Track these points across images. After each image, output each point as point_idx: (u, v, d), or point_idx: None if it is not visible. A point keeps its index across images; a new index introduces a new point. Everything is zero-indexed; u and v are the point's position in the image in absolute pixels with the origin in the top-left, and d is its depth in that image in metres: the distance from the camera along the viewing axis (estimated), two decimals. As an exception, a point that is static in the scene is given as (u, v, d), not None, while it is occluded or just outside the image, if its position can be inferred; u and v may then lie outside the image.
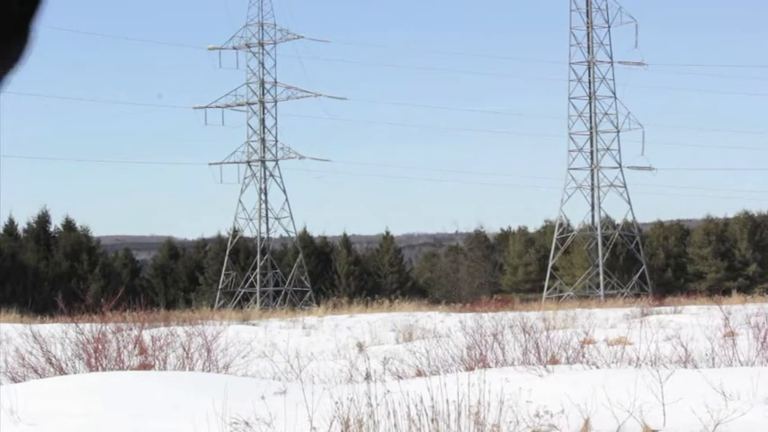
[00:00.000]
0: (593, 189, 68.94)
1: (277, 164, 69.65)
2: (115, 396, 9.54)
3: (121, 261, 69.28)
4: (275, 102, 70.31)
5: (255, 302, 63.94)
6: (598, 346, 13.36)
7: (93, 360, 12.14)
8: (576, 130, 69.39)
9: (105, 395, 9.55)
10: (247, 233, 70.57)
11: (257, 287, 67.16)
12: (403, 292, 62.98)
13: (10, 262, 62.67)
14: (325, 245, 76.81)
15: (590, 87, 69.55)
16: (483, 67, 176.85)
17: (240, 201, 69.15)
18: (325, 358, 16.23)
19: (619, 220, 70.72)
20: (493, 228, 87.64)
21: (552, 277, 68.31)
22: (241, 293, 65.73)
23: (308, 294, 65.85)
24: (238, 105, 70.24)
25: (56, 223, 67.70)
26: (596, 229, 68.72)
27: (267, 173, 69.61)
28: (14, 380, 11.93)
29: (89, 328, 12.71)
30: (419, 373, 11.26)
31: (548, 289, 66.89)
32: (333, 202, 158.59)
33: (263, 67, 70.47)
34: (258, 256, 67.99)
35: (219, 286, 65.77)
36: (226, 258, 67.01)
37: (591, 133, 69.23)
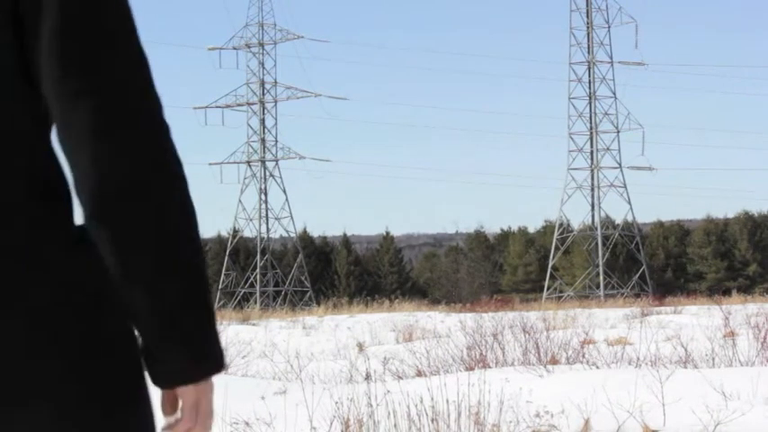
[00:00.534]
0: (593, 189, 68.99)
1: (277, 164, 69.70)
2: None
3: (121, 261, 69.29)
4: (275, 102, 70.38)
5: (255, 302, 63.98)
6: (598, 346, 13.37)
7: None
8: (576, 131, 69.45)
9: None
10: (247, 233, 70.66)
11: (257, 287, 67.20)
12: (403, 293, 63.01)
13: (10, 262, 62.72)
14: (325, 245, 76.86)
15: (590, 87, 69.62)
16: (483, 67, 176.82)
17: (240, 201, 69.25)
18: (326, 358, 16.24)
19: (619, 220, 70.80)
20: (493, 228, 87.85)
21: (552, 277, 68.35)
22: (241, 293, 65.78)
23: (308, 294, 65.89)
24: (238, 105, 70.31)
25: (56, 223, 67.84)
26: (596, 229, 68.76)
27: (267, 173, 69.70)
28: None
29: None
30: (419, 373, 11.27)
31: (548, 289, 66.93)
32: (333, 202, 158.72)
33: (263, 68, 70.52)
34: (258, 257, 68.03)
35: (219, 286, 65.80)
36: (226, 258, 67.05)
37: (591, 133, 69.26)
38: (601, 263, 67.21)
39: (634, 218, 69.76)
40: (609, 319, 27.55)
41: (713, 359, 11.01)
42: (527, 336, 11.95)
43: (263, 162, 69.69)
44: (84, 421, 1.44)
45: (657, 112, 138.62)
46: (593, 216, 69.63)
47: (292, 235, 70.92)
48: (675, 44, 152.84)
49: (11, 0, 1.43)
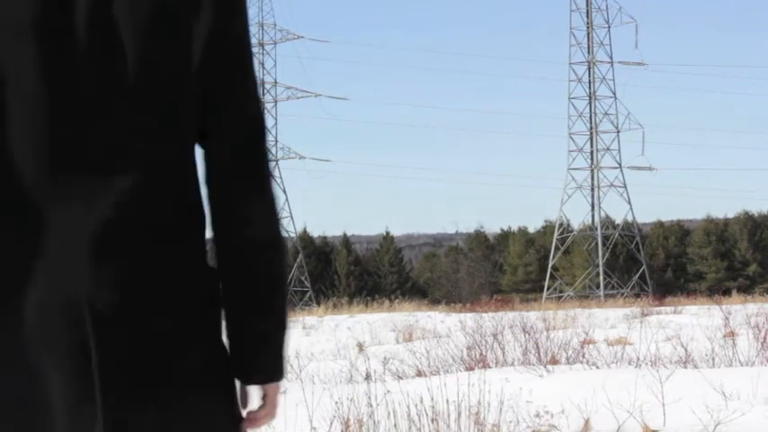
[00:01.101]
0: (593, 189, 68.99)
1: (277, 164, 69.69)
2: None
3: (121, 261, 69.33)
4: (275, 102, 70.37)
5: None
6: (598, 346, 13.36)
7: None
8: (576, 131, 69.46)
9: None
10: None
11: (257, 287, 67.16)
12: (403, 293, 62.99)
13: (10, 262, 62.74)
14: (325, 245, 76.85)
15: (590, 87, 69.62)
16: (483, 67, 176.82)
17: (240, 201, 69.24)
18: (326, 358, 16.24)
19: (619, 220, 70.81)
20: (493, 228, 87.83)
21: (552, 277, 68.35)
22: (241, 293, 65.77)
23: (308, 294, 65.88)
24: (238, 105, 70.31)
25: (56, 223, 67.79)
26: (596, 229, 68.76)
27: (267, 173, 69.72)
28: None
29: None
30: (419, 373, 11.27)
31: (548, 289, 66.93)
32: (333, 202, 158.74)
33: (264, 68, 70.50)
34: (258, 256, 68.02)
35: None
36: (226, 258, 67.08)
37: (591, 133, 69.27)
38: (601, 263, 67.20)
39: (634, 218, 69.80)
40: (609, 319, 27.55)
41: (713, 359, 11.01)
42: (527, 336, 11.95)
43: (263, 162, 69.73)
44: (216, 402, 1.88)
45: (657, 112, 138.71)
46: (593, 216, 69.69)
47: (292, 235, 70.91)
48: (675, 44, 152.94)
49: (198, 63, 1.84)
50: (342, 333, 23.72)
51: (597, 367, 10.61)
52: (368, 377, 8.08)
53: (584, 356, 11.43)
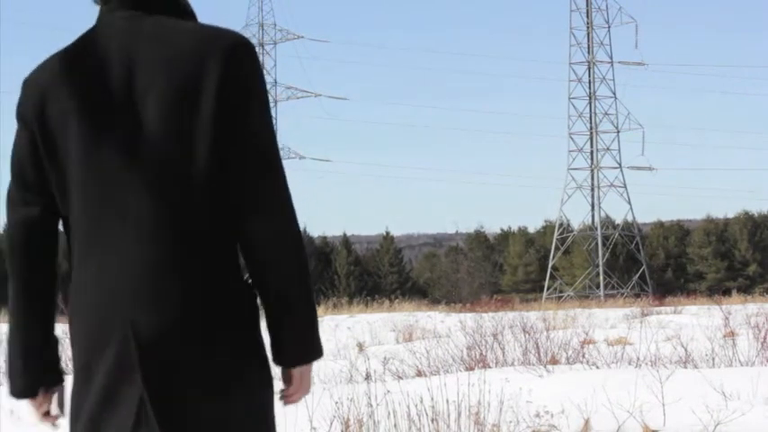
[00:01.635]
0: (593, 189, 68.99)
1: (277, 164, 69.73)
2: (115, 396, 9.50)
3: (121, 261, 69.28)
4: (275, 102, 70.37)
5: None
6: (598, 346, 13.36)
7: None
8: (576, 131, 69.46)
9: (105, 395, 9.51)
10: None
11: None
12: (403, 293, 62.97)
13: (10, 262, 62.69)
14: (325, 245, 76.85)
15: (590, 87, 69.63)
16: (483, 67, 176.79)
17: (240, 201, 69.25)
18: (325, 358, 16.25)
19: (619, 220, 70.82)
20: (493, 228, 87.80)
21: (552, 277, 68.36)
22: (241, 293, 65.79)
23: (308, 294, 65.85)
24: (238, 105, 70.33)
25: (56, 223, 67.67)
26: (596, 229, 68.77)
27: (267, 173, 69.73)
28: (14, 380, 11.94)
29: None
30: (419, 373, 11.27)
31: (548, 289, 66.94)
32: (333, 202, 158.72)
33: (263, 68, 70.58)
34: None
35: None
36: (226, 258, 67.12)
37: (591, 133, 69.27)
38: (601, 263, 67.20)
39: (634, 218, 69.80)
40: (609, 319, 27.54)
41: (713, 359, 11.01)
42: (527, 336, 11.95)
43: (263, 162, 69.74)
44: (258, 398, 2.36)
45: (657, 112, 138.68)
46: (593, 216, 69.69)
47: (292, 235, 70.86)
48: (675, 44, 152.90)
49: (221, 132, 2.29)
50: (342, 333, 23.72)
51: (597, 367, 10.61)
52: (368, 377, 8.08)
53: (584, 356, 11.43)
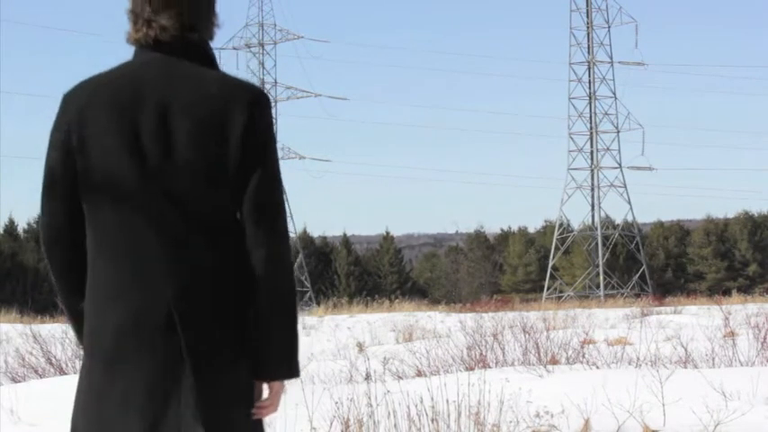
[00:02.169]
0: (593, 189, 68.98)
1: (277, 164, 69.68)
2: (115, 396, 9.48)
3: (121, 261, 69.19)
4: (275, 102, 70.31)
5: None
6: (598, 346, 13.35)
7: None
8: (576, 131, 69.46)
9: (105, 395, 9.49)
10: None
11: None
12: (403, 293, 62.97)
13: (10, 262, 62.67)
14: (325, 245, 76.84)
15: (590, 87, 69.62)
16: (483, 67, 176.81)
17: (240, 201, 69.19)
18: (326, 358, 16.24)
19: (619, 220, 70.80)
20: (493, 228, 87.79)
21: (552, 277, 68.35)
22: (241, 293, 65.70)
23: (308, 294, 65.86)
24: (238, 105, 70.26)
25: (56, 223, 67.52)
26: (596, 229, 68.75)
27: (267, 173, 69.67)
28: (14, 380, 11.93)
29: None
30: (419, 373, 11.27)
31: (548, 289, 66.93)
32: (333, 202, 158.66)
33: (264, 68, 70.52)
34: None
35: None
36: (226, 258, 67.05)
37: (591, 133, 69.26)
38: (601, 263, 67.20)
39: (634, 218, 69.79)
40: (609, 319, 27.54)
41: (713, 359, 11.01)
42: (527, 336, 11.94)
43: (263, 162, 69.69)
44: (248, 378, 2.83)
45: (657, 112, 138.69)
46: (593, 216, 69.68)
47: (292, 235, 70.90)
48: (675, 44, 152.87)
49: (238, 168, 2.80)
50: (342, 333, 23.72)
51: (597, 367, 10.60)
52: (368, 377, 8.08)
53: (584, 356, 11.43)
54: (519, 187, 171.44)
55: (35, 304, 49.60)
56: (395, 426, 6.54)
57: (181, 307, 2.74)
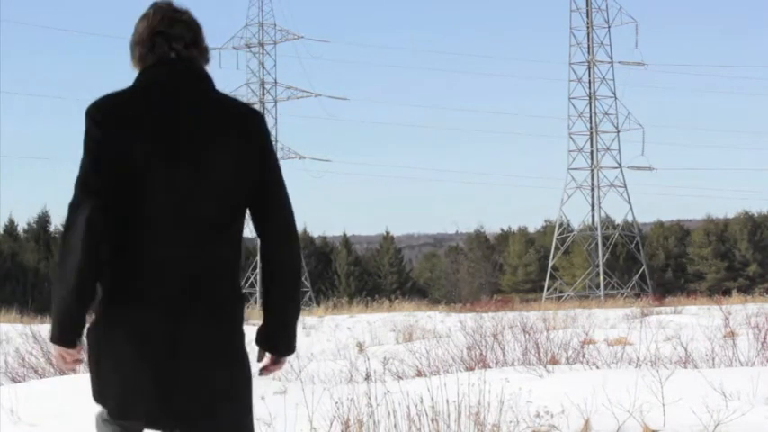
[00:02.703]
0: (593, 189, 68.97)
1: (277, 164, 69.63)
2: (115, 396, 9.47)
3: (121, 261, 69.16)
4: (275, 102, 70.37)
5: (255, 303, 63.97)
6: (598, 346, 13.35)
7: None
8: (576, 131, 69.44)
9: (105, 395, 9.49)
10: (247, 233, 70.23)
11: (257, 287, 67.16)
12: (403, 293, 62.98)
13: (10, 262, 62.68)
14: (325, 245, 76.84)
15: (590, 87, 69.60)
16: (483, 67, 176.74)
17: (240, 201, 69.17)
18: (326, 358, 16.24)
19: (619, 220, 70.77)
20: (493, 228, 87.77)
21: (552, 277, 68.34)
22: (241, 293, 65.69)
23: (308, 294, 65.86)
24: (238, 105, 70.20)
25: (56, 223, 67.57)
26: (596, 229, 68.74)
27: (267, 173, 69.64)
28: (14, 380, 11.93)
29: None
30: (419, 373, 11.27)
31: (548, 289, 66.92)
32: (333, 202, 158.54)
33: (264, 68, 70.51)
34: (258, 257, 68.01)
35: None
36: (226, 258, 67.03)
37: (591, 133, 69.25)
38: (601, 263, 67.19)
39: (634, 218, 69.78)
40: (609, 319, 27.55)
41: (713, 359, 11.01)
42: (527, 336, 11.94)
43: (263, 162, 69.67)
44: (243, 365, 3.44)
45: (657, 112, 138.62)
46: (593, 216, 69.65)
47: (292, 235, 70.83)
48: (675, 44, 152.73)
49: (256, 176, 3.43)
50: (342, 333, 23.73)
51: (597, 367, 10.61)
52: (368, 377, 8.08)
53: (584, 356, 11.43)
54: (519, 187, 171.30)
55: (35, 304, 49.61)
56: (395, 426, 6.54)
57: (193, 290, 3.30)
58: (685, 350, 11.00)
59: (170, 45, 3.36)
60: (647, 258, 69.86)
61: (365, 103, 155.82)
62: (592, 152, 69.22)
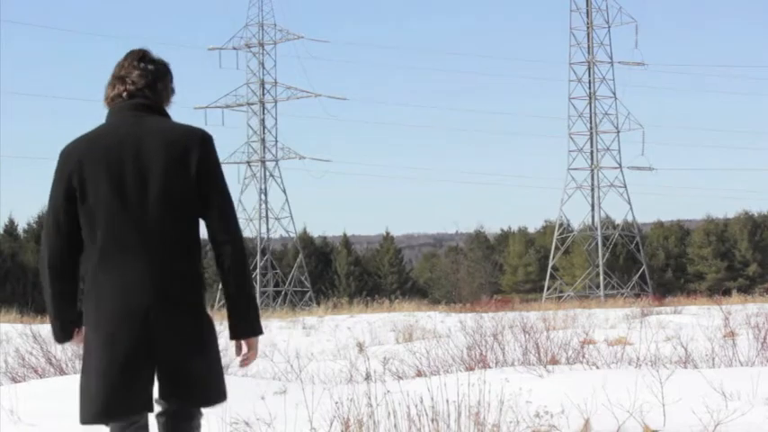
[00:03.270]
0: (593, 189, 68.96)
1: (277, 164, 69.67)
2: (115, 396, 9.45)
3: (121, 261, 69.17)
4: (275, 102, 70.35)
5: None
6: (598, 347, 13.34)
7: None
8: (576, 131, 69.44)
9: (105, 395, 9.46)
10: (247, 233, 70.57)
11: (257, 287, 67.15)
12: (403, 293, 62.97)
13: (10, 262, 62.67)
14: (325, 245, 76.84)
15: (590, 87, 69.60)
16: (483, 67, 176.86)
17: (240, 201, 69.18)
18: (326, 358, 16.24)
19: (619, 220, 70.76)
20: (493, 228, 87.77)
21: (552, 277, 68.33)
22: (241, 293, 65.61)
23: (308, 294, 65.85)
24: (238, 106, 70.26)
25: (56, 223, 67.42)
26: (596, 229, 68.74)
27: (267, 173, 69.67)
28: (14, 380, 11.92)
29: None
30: (419, 374, 11.26)
31: (548, 289, 66.92)
32: (333, 202, 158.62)
33: (263, 68, 70.49)
34: (258, 257, 68.00)
35: (219, 286, 65.78)
36: (226, 258, 66.95)
37: (591, 133, 69.25)
38: (601, 263, 67.18)
39: (634, 218, 69.77)
40: (609, 319, 27.55)
41: (713, 359, 11.00)
42: (527, 336, 11.93)
43: (263, 162, 69.66)
44: (212, 347, 4.10)
45: (657, 112, 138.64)
46: (593, 216, 69.64)
47: (292, 235, 70.90)
48: (675, 44, 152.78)
49: (198, 190, 4.04)
50: (342, 333, 23.72)
51: (597, 367, 10.60)
52: (368, 377, 8.07)
53: (584, 356, 11.42)
54: (519, 187, 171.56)
55: (35, 304, 49.57)
56: (395, 426, 6.54)
57: (156, 303, 3.95)
58: (685, 350, 10.99)
59: (125, 88, 4.10)
60: (647, 258, 69.85)
61: (365, 103, 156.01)
62: (592, 152, 69.22)
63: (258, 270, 67.67)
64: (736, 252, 73.10)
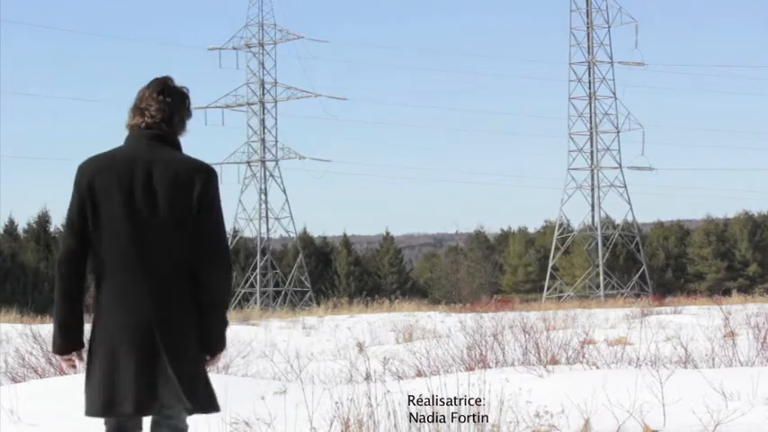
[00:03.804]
0: (593, 189, 68.93)
1: (277, 164, 69.64)
2: (115, 396, 9.45)
3: (121, 261, 69.08)
4: (275, 102, 70.31)
5: (255, 303, 63.95)
6: (598, 347, 13.33)
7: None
8: (576, 131, 69.41)
9: (105, 395, 9.46)
10: (247, 233, 70.64)
11: (257, 287, 67.16)
12: (403, 293, 62.96)
13: (10, 262, 62.66)
14: (325, 245, 76.83)
15: (590, 88, 69.57)
16: (483, 67, 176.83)
17: (240, 201, 69.21)
18: (326, 358, 16.24)
19: (619, 220, 70.72)
20: (493, 228, 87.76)
21: (552, 277, 68.31)
22: (241, 294, 65.69)
23: (308, 294, 65.84)
24: (238, 106, 70.20)
25: (56, 223, 67.51)
26: (596, 229, 68.72)
27: (267, 173, 69.62)
28: (14, 380, 11.92)
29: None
30: (419, 373, 11.26)
31: (548, 289, 66.90)
32: (333, 202, 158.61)
33: (263, 68, 70.46)
34: (258, 257, 68.00)
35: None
36: (226, 258, 66.87)
37: (591, 133, 69.23)
38: (601, 263, 67.17)
39: (634, 218, 69.75)
40: (609, 319, 27.55)
41: (713, 359, 11.00)
42: (527, 336, 11.92)
43: (263, 162, 69.63)
44: (198, 360, 4.58)
45: (657, 112, 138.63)
46: (593, 216, 69.60)
47: (292, 235, 70.88)
48: (675, 44, 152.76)
49: (196, 209, 4.51)
50: (342, 333, 23.72)
51: (597, 367, 10.60)
52: (368, 377, 8.07)
53: (584, 356, 11.42)
54: (519, 187, 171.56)
55: (35, 304, 49.61)
56: (395, 426, 6.54)
57: (157, 317, 4.42)
58: (685, 350, 10.99)
59: (144, 120, 4.55)
60: (647, 258, 69.84)
61: (365, 103, 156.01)
62: (592, 152, 69.20)
63: (258, 270, 67.66)
64: (736, 252, 73.09)
